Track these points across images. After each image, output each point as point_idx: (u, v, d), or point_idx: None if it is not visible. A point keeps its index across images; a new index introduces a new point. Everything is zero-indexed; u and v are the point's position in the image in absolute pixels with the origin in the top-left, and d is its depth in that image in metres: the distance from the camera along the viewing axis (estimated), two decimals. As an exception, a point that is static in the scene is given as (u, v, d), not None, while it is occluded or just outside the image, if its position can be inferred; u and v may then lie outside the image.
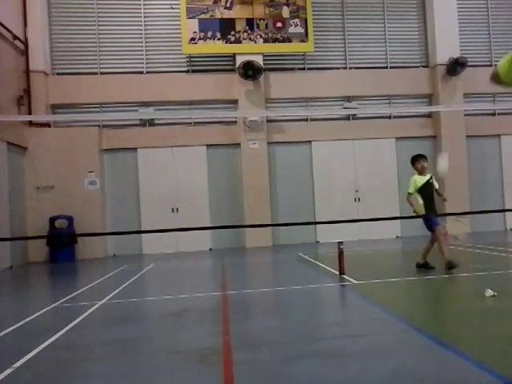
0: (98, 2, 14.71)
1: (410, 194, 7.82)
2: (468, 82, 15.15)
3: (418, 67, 15.90)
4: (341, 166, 15.09)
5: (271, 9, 14.81)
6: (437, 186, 7.91)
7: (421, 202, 7.74)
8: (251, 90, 14.66)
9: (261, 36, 14.75)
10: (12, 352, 4.20)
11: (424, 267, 7.78)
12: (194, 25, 14.47)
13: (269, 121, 14.90)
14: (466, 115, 15.43)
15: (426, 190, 7.74)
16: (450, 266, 7.37)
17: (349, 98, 15.51)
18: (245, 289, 7.27)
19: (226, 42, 14.64)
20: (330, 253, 9.03)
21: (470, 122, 15.34)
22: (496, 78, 2.51)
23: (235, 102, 14.90)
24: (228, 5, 14.61)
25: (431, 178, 7.83)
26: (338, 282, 7.16)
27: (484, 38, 16.13)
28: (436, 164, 7.68)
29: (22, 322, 5.38)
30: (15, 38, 13.07)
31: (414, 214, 7.91)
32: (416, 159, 7.94)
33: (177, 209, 14.48)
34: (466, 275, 7.27)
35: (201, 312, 5.60)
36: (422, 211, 7.70)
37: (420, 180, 7.77)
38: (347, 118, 15.53)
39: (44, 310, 6.05)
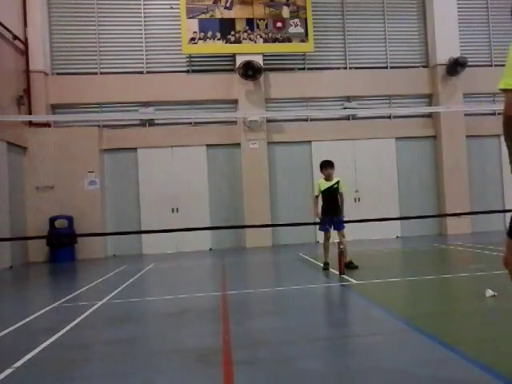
0: (98, 2, 14.71)
1: (316, 196, 8.36)
2: (468, 82, 15.15)
3: (417, 67, 15.90)
4: (341, 166, 14.98)
5: (271, 9, 14.81)
6: (342, 189, 8.34)
7: (321, 203, 8.32)
8: (251, 89, 14.65)
9: (261, 36, 14.74)
10: (12, 352, 4.20)
11: (348, 266, 8.11)
12: (193, 25, 14.47)
13: (269, 121, 14.89)
14: (465, 115, 15.42)
15: (328, 195, 8.27)
16: (325, 268, 8.20)
17: (349, 98, 15.50)
18: (245, 289, 7.26)
19: (225, 42, 14.63)
20: (329, 253, 9.00)
21: (469, 122, 15.35)
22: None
23: (235, 102, 14.90)
24: (228, 5, 14.60)
25: (337, 183, 8.31)
26: (338, 282, 7.16)
27: (484, 38, 16.13)
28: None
29: (21, 322, 5.38)
30: (15, 38, 13.08)
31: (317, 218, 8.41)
32: (323, 166, 8.39)
33: (177, 209, 14.47)
34: (465, 275, 7.27)
35: (201, 312, 5.60)
36: (319, 213, 8.32)
37: (324, 184, 8.33)
38: (347, 118, 15.52)
39: (44, 310, 6.05)
